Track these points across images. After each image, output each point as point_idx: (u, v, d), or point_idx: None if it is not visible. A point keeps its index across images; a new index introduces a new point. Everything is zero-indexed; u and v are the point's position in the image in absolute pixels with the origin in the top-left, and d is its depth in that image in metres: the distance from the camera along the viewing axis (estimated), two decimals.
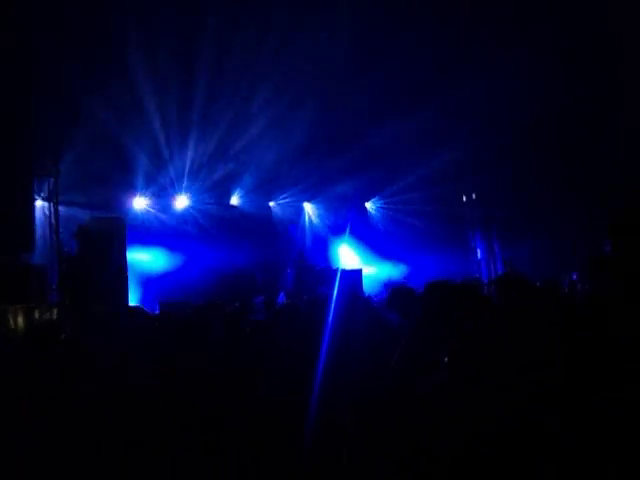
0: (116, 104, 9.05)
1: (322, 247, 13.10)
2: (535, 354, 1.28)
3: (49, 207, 8.82)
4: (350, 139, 10.89)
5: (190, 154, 10.82)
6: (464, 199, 13.44)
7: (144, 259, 10.27)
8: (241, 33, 9.03)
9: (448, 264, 11.58)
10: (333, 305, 3.59)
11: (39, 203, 8.99)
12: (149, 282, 10.00)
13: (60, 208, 8.93)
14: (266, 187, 12.41)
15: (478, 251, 13.28)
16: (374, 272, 12.16)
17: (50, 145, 8.80)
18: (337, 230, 13.23)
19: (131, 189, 10.85)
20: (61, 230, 8.71)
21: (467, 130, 10.80)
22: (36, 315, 7.34)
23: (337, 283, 8.61)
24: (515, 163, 10.93)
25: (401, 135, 10.94)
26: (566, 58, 9.19)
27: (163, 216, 11.48)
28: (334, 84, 9.67)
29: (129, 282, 8.37)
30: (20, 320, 7.18)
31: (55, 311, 7.61)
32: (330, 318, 2.89)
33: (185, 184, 11.43)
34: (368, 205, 14.35)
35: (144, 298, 9.57)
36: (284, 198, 13.10)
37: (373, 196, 14.15)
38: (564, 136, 10.36)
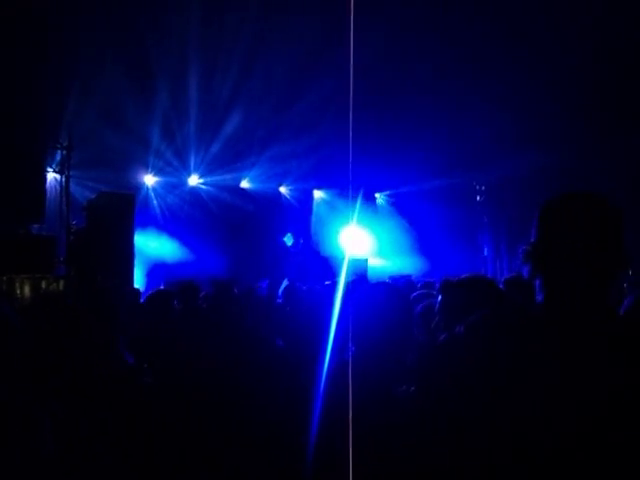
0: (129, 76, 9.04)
1: (329, 235, 13.08)
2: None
3: (60, 179, 8.81)
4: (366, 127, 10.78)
5: (204, 134, 10.80)
6: (477, 198, 13.32)
7: (152, 239, 10.29)
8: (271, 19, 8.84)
9: (455, 260, 11.54)
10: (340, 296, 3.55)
11: (50, 175, 9.00)
12: (156, 262, 10.03)
13: (71, 181, 8.94)
14: (276, 171, 12.37)
15: (485, 249, 13.23)
16: (380, 264, 12.14)
17: (63, 117, 8.80)
18: (345, 219, 13.19)
19: (142, 166, 10.86)
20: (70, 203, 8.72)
21: (483, 120, 10.68)
22: (43, 286, 7.38)
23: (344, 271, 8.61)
24: (525, 161, 10.79)
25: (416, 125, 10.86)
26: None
27: (172, 196, 11.48)
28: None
29: (137, 262, 8.38)
30: (27, 290, 7.22)
31: (62, 283, 7.64)
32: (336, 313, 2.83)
33: (195, 164, 11.42)
34: (378, 196, 14.29)
35: (150, 278, 9.60)
36: (294, 183, 13.07)
37: (383, 187, 14.08)
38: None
